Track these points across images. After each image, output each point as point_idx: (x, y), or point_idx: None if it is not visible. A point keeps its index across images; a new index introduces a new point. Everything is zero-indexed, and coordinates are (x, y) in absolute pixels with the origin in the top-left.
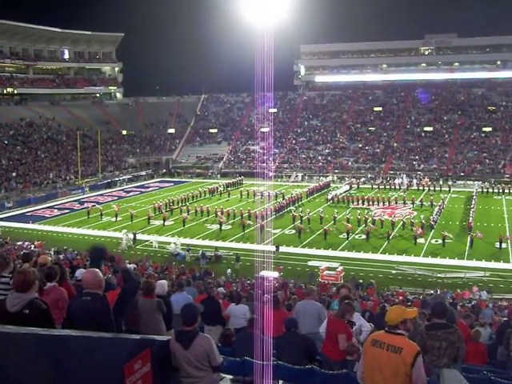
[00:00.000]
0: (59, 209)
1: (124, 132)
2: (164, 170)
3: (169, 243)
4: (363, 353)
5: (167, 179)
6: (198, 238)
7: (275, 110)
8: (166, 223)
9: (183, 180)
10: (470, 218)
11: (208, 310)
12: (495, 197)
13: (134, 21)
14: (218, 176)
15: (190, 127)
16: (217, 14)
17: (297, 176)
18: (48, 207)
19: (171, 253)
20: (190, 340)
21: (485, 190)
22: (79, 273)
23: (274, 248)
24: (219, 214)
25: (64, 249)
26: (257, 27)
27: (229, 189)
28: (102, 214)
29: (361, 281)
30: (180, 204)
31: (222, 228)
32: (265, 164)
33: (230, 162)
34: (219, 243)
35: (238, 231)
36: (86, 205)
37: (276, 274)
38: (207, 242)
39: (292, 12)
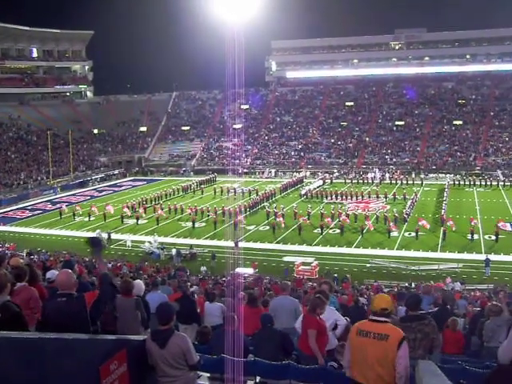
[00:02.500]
0: (31, 210)
1: (95, 131)
2: (136, 169)
3: (143, 242)
4: (349, 343)
5: (140, 178)
6: (173, 236)
7: (247, 107)
8: (139, 222)
9: (156, 178)
10: (443, 211)
11: (183, 309)
12: (467, 189)
13: (104, 18)
14: (191, 173)
15: (162, 125)
16: (187, 10)
17: (270, 172)
18: (19, 208)
19: (146, 251)
20: (166, 339)
21: (456, 183)
22: (51, 274)
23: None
24: (189, 211)
25: (37, 250)
26: (227, 23)
27: (202, 186)
28: (74, 214)
29: (336, 275)
30: (153, 202)
31: (196, 225)
32: (238, 161)
33: (202, 160)
34: (194, 241)
35: (212, 228)
36: (66, 205)
37: (251, 271)
38: (181, 240)
39: (263, 8)
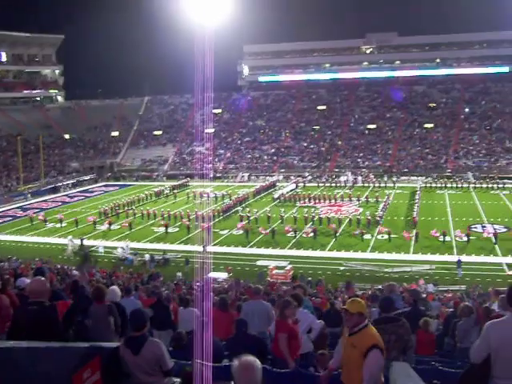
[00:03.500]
0: (1, 216)
1: (66, 136)
2: (108, 174)
3: (116, 248)
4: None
5: (112, 183)
6: (146, 242)
7: (220, 111)
8: (112, 227)
9: (128, 183)
10: (415, 213)
11: (157, 314)
12: (438, 191)
13: (75, 23)
14: (164, 178)
15: (134, 130)
16: (158, 14)
17: (243, 176)
18: None
19: (118, 257)
20: (140, 345)
21: (428, 185)
22: (21, 282)
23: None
24: (161, 217)
25: (7, 257)
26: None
27: (175, 191)
28: (46, 220)
29: (309, 278)
30: (126, 208)
31: (169, 230)
32: (211, 165)
33: (175, 164)
34: (167, 246)
35: (185, 233)
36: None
37: (225, 275)
38: (155, 246)
39: (235, 12)
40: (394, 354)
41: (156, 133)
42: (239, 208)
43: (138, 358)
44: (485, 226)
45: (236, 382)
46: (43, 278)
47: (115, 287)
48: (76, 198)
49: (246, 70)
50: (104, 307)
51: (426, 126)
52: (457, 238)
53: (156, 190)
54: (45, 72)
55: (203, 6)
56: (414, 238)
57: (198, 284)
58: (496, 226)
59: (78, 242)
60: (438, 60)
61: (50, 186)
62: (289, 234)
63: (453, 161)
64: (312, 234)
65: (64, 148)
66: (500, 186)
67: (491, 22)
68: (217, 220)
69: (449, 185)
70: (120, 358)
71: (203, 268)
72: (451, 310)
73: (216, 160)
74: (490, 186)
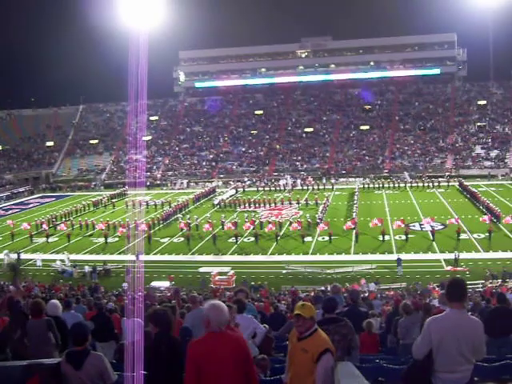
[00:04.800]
0: None
1: None
2: (44, 185)
3: (54, 260)
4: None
5: (48, 194)
6: (85, 253)
7: (156, 118)
8: (49, 240)
9: (65, 194)
10: (354, 214)
11: (99, 327)
12: (376, 192)
13: (3, 31)
14: (102, 188)
15: (69, 139)
16: (92, 20)
17: (182, 183)
18: None
19: (57, 270)
20: (82, 360)
21: (366, 186)
22: None
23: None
24: (99, 227)
25: None
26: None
27: (113, 200)
28: None
29: (252, 283)
30: (63, 219)
31: (109, 241)
32: (148, 173)
33: (113, 173)
34: (107, 257)
35: (125, 243)
36: None
37: (168, 283)
38: (94, 257)
39: (169, 19)
40: (339, 354)
41: (92, 142)
42: (179, 215)
43: (80, 372)
44: (422, 224)
45: (209, 319)
46: None
47: (55, 301)
48: (11, 211)
49: (182, 76)
50: (42, 322)
51: (362, 127)
52: (395, 237)
53: (94, 199)
54: None
55: (137, 12)
56: (354, 239)
57: (140, 294)
58: (433, 224)
59: (14, 256)
60: (371, 63)
61: None
62: (230, 240)
63: (389, 161)
64: (253, 239)
65: None
66: (435, 184)
67: (422, 25)
68: (157, 228)
69: (386, 185)
70: (61, 374)
71: (137, 277)
72: (392, 307)
73: (154, 167)
74: (425, 184)
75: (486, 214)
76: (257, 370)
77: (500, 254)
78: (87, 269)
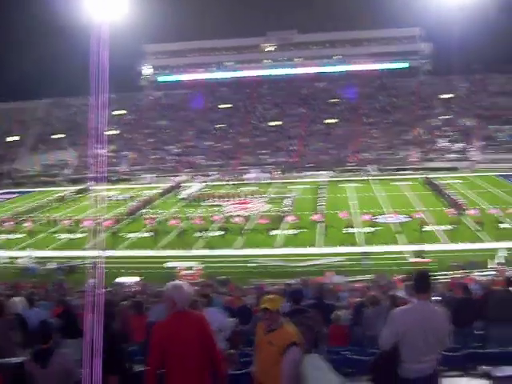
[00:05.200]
0: None
1: None
2: (7, 181)
3: (17, 258)
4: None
5: (11, 190)
6: (49, 250)
7: (123, 112)
8: (13, 236)
9: (29, 190)
10: (320, 207)
11: (65, 324)
12: (341, 185)
13: None
14: (66, 183)
15: (34, 134)
16: (54, 11)
17: (147, 178)
18: None
19: (21, 267)
20: (48, 358)
21: (332, 179)
22: None
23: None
24: (65, 222)
25: None
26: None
27: (78, 195)
28: None
29: (219, 277)
30: (27, 215)
31: (74, 236)
32: (115, 168)
33: (78, 168)
34: (72, 253)
35: (90, 238)
36: None
37: (134, 279)
38: (59, 253)
39: (133, 12)
40: (306, 346)
41: (56, 136)
42: (145, 210)
43: (47, 371)
44: (388, 217)
45: (174, 299)
46: None
47: (18, 299)
48: None
49: (147, 70)
50: (4, 321)
51: (328, 121)
52: (361, 230)
53: (58, 195)
54: None
55: (100, 4)
56: (320, 231)
57: (104, 290)
58: (398, 216)
59: None
60: (337, 57)
61: None
62: (196, 234)
63: (355, 154)
64: (220, 233)
65: None
66: (399, 177)
67: (388, 19)
68: (123, 223)
69: (352, 178)
70: (26, 373)
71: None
72: (359, 299)
73: (120, 162)
74: (390, 177)
75: (450, 207)
76: (226, 364)
77: (464, 246)
78: (52, 265)
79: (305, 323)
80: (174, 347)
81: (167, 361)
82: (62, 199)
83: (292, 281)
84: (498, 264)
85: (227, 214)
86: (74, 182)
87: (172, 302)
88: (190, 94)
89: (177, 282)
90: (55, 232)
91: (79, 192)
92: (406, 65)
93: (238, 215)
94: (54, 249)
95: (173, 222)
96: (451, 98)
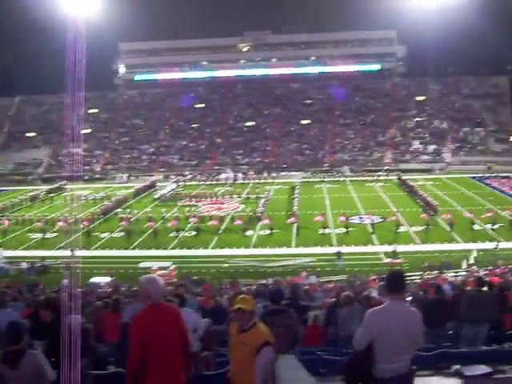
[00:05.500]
0: None
1: None
2: None
3: None
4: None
5: None
6: (22, 249)
7: (96, 111)
8: None
9: (1, 188)
10: (295, 208)
11: (35, 325)
12: (316, 186)
13: None
14: (39, 182)
15: (5, 132)
16: (28, 8)
17: (122, 177)
18: None
19: None
20: (18, 359)
21: (306, 180)
22: None
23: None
24: (38, 224)
25: None
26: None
27: (51, 194)
28: None
29: (194, 277)
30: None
31: (47, 236)
32: (88, 167)
33: (51, 167)
34: (45, 252)
35: (64, 238)
36: None
37: (108, 279)
38: (32, 253)
39: (109, 9)
40: (284, 346)
41: (29, 134)
42: (118, 210)
43: (17, 372)
44: (362, 218)
45: (149, 292)
46: None
47: None
48: None
49: (122, 69)
50: None
51: (303, 122)
52: (336, 231)
53: (31, 194)
54: None
55: (75, 3)
56: (295, 232)
57: (79, 290)
58: (372, 217)
59: None
60: (312, 58)
61: None
62: (171, 234)
63: (329, 155)
64: (195, 233)
65: None
66: (374, 178)
67: (363, 21)
68: (97, 223)
69: (326, 179)
70: None
71: (77, 274)
72: (333, 299)
73: (94, 161)
74: (365, 178)
75: (423, 208)
76: (201, 366)
77: (437, 246)
78: (25, 265)
79: (284, 323)
80: (152, 340)
81: (146, 354)
82: (34, 198)
83: (264, 281)
84: (471, 265)
85: (202, 215)
86: (47, 180)
87: (147, 294)
88: (163, 94)
89: (150, 275)
90: (28, 231)
91: (52, 191)
92: (379, 67)
93: (213, 215)
94: (27, 248)
95: (149, 224)
96: (425, 100)
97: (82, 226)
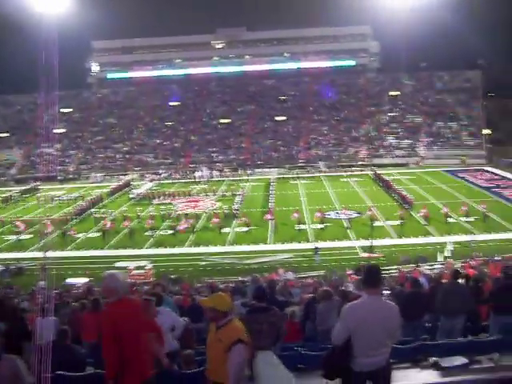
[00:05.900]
0: None
1: None
2: None
3: None
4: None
5: None
6: None
7: (70, 110)
8: None
9: None
10: (270, 204)
11: (12, 328)
12: (291, 182)
13: None
14: (12, 183)
15: None
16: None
17: (96, 176)
18: None
19: None
20: None
21: (282, 176)
22: None
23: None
24: (20, 226)
25: None
26: (43, 23)
27: (25, 196)
28: None
29: (171, 276)
30: None
31: (21, 238)
32: (62, 167)
33: (24, 168)
34: (20, 254)
35: (39, 240)
36: None
37: (85, 280)
38: (6, 255)
39: (81, 8)
40: (268, 342)
41: (1, 135)
42: (93, 210)
43: None
44: (338, 213)
45: (116, 288)
46: None
47: None
48: None
49: (95, 67)
50: None
51: (277, 118)
52: (313, 226)
53: (4, 195)
54: None
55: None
56: (271, 228)
57: (56, 292)
58: (348, 212)
59: None
60: (285, 54)
61: None
62: (147, 233)
63: (304, 151)
64: (171, 232)
65: None
66: (349, 173)
67: (337, 17)
68: (71, 223)
69: (302, 175)
70: None
71: (52, 275)
72: (311, 295)
73: (67, 161)
74: (340, 174)
75: (398, 202)
76: (183, 365)
77: (412, 240)
78: None
79: (268, 320)
80: (120, 332)
81: (119, 347)
82: (7, 200)
83: (240, 278)
84: (447, 257)
85: (178, 212)
86: (20, 181)
87: (113, 290)
88: (136, 92)
89: (112, 271)
90: (1, 233)
91: (26, 192)
92: (353, 62)
93: (189, 213)
94: (1, 250)
95: (125, 223)
96: (398, 95)
97: (56, 227)
